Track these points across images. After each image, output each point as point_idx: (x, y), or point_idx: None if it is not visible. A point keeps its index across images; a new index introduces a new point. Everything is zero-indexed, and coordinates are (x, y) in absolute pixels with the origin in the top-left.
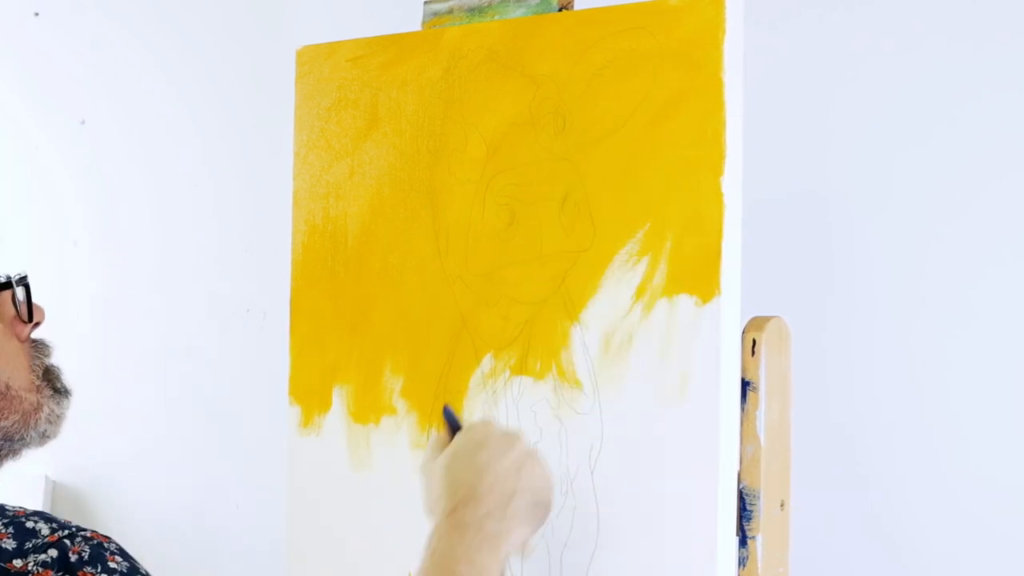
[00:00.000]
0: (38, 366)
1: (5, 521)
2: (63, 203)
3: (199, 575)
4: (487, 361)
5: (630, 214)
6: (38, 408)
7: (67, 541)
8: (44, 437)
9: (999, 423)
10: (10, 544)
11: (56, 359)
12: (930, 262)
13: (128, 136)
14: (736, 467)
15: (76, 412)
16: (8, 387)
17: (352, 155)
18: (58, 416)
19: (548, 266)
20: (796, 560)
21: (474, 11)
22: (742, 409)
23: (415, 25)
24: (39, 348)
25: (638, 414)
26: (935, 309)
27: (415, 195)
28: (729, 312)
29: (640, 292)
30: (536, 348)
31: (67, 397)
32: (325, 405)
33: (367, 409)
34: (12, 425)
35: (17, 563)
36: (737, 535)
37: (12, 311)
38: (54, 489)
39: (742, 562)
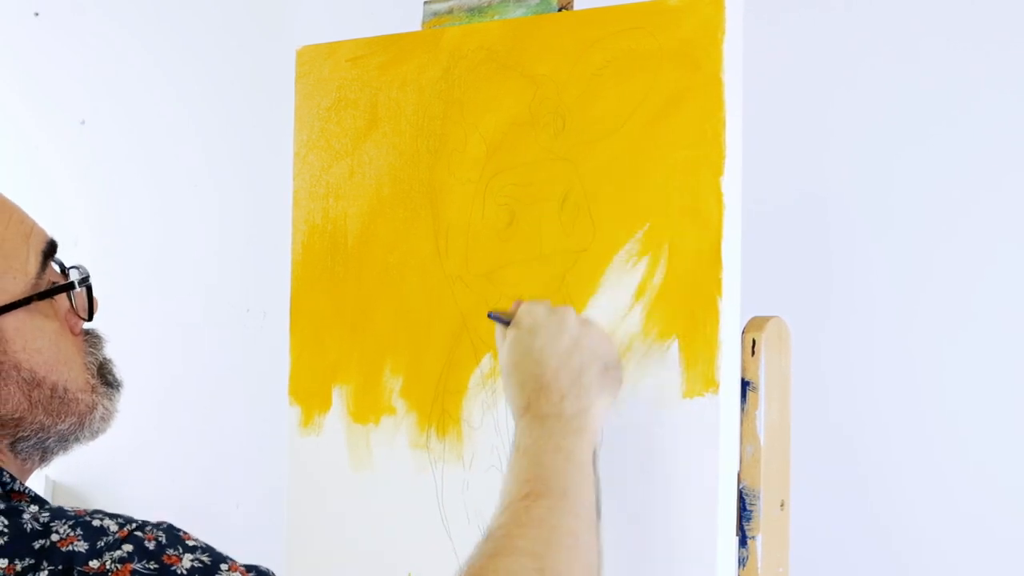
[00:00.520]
0: (92, 363)
1: (71, 523)
2: (63, 203)
3: None
4: (487, 361)
5: (630, 214)
6: (93, 408)
7: (138, 533)
8: (96, 433)
9: (998, 423)
10: (83, 546)
11: (109, 350)
12: (930, 262)
13: (128, 136)
14: (736, 467)
15: None
16: (66, 390)
17: (352, 155)
18: (111, 412)
19: (548, 266)
20: (796, 560)
21: (474, 11)
22: (742, 409)
23: (415, 25)
24: (92, 341)
25: (638, 414)
26: (935, 309)
27: (415, 195)
28: (729, 312)
29: (640, 292)
30: None
31: (119, 390)
32: (325, 405)
33: (367, 409)
34: (68, 428)
35: (94, 564)
36: (737, 535)
37: (68, 305)
38: (54, 489)
39: (742, 562)
